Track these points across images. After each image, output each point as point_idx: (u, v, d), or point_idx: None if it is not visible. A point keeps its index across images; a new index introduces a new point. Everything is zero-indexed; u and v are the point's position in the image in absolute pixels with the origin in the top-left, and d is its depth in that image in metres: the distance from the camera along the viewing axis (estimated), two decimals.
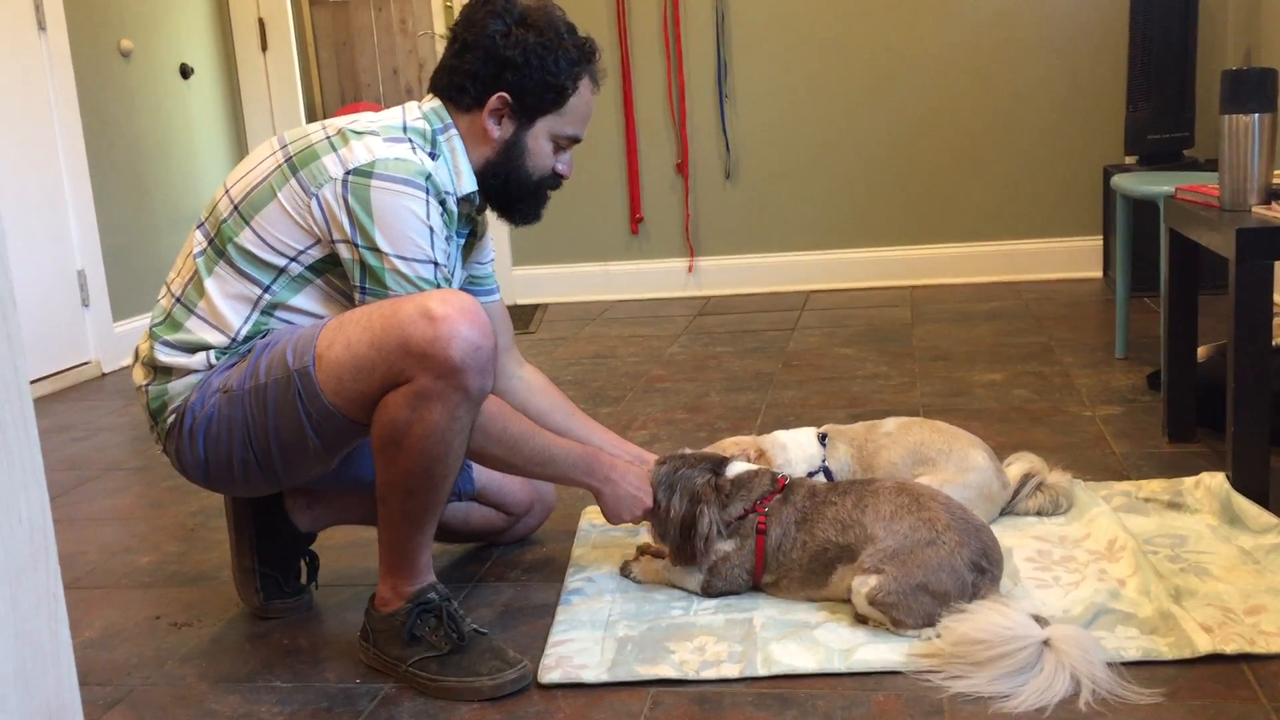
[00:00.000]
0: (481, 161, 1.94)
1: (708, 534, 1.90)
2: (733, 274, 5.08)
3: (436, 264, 1.79)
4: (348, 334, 1.72)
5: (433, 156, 1.87)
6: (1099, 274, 4.76)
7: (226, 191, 1.87)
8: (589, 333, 4.43)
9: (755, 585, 1.95)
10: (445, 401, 1.67)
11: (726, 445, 2.24)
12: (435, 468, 1.71)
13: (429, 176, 1.80)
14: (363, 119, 1.88)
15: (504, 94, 1.90)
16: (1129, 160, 4.46)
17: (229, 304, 1.83)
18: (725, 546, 1.93)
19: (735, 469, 1.98)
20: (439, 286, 1.79)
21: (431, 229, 1.78)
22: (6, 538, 0.77)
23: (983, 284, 4.81)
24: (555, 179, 2.00)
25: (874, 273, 4.96)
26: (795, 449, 2.23)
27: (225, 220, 1.85)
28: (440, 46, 5.20)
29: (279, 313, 1.85)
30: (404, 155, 1.80)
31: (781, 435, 2.26)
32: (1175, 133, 4.23)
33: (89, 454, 3.23)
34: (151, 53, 4.71)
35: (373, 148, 1.79)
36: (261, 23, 5.31)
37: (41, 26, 4.08)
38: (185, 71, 4.91)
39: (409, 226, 1.76)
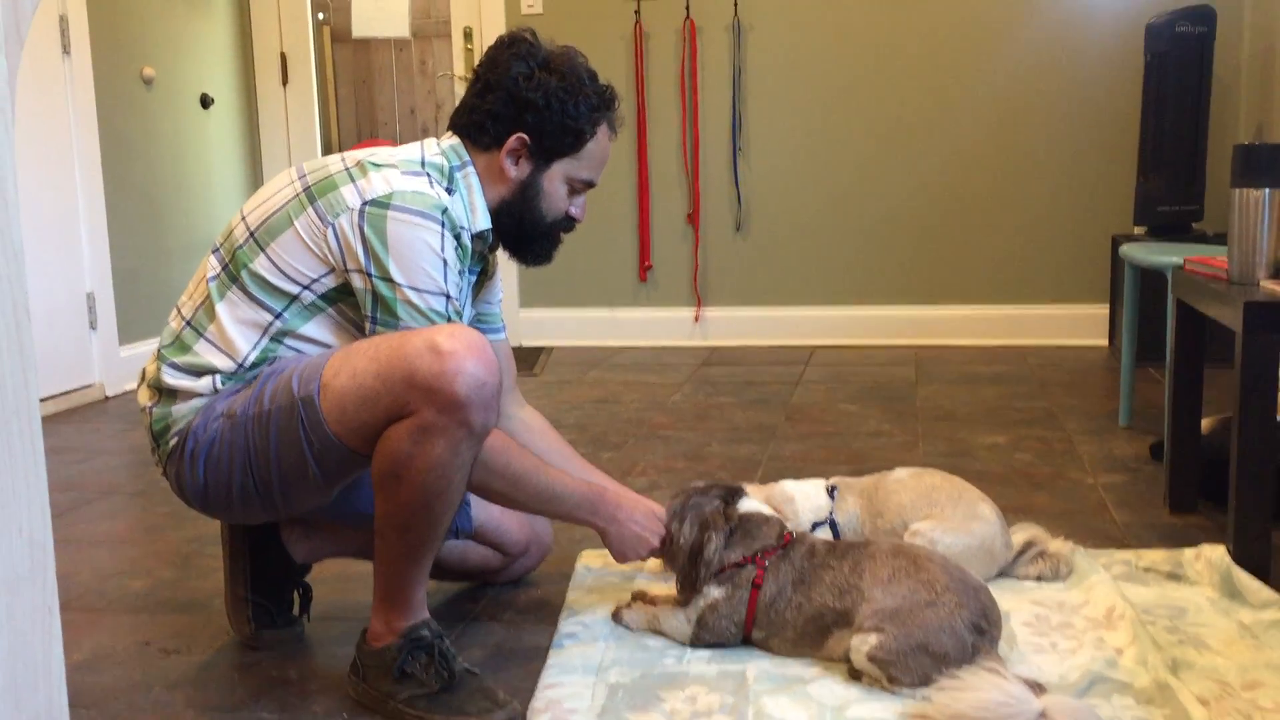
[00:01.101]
0: (497, 200, 1.95)
1: (711, 560, 1.89)
2: (739, 325, 5.09)
3: (449, 296, 1.80)
4: (354, 364, 1.72)
5: (449, 192, 1.88)
6: (1105, 342, 4.77)
7: (244, 218, 1.89)
8: (593, 377, 4.43)
9: (746, 639, 1.93)
10: (448, 436, 1.67)
11: None
12: (435, 502, 1.71)
13: (445, 210, 1.81)
14: (381, 153, 1.90)
15: (523, 135, 1.92)
16: (1138, 230, 4.49)
17: (239, 329, 1.84)
18: (715, 593, 1.91)
19: (747, 506, 1.97)
20: (449, 319, 1.80)
21: (445, 262, 1.79)
22: (6, 549, 0.77)
23: (988, 347, 4.82)
24: (568, 221, 2.02)
25: (880, 330, 4.97)
26: (802, 500, 2.22)
27: (241, 246, 1.86)
28: (459, 88, 5.26)
29: (289, 340, 1.85)
30: (421, 189, 1.81)
31: (789, 486, 2.26)
32: (1185, 205, 4.26)
33: (88, 476, 3.22)
34: (173, 81, 4.76)
35: (390, 180, 1.81)
36: (284, 57, 5.37)
37: (66, 50, 4.13)
38: (205, 101, 4.95)
39: (423, 258, 1.77)
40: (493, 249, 2.05)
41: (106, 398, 4.29)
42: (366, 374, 1.70)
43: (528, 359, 4.81)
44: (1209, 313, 2.35)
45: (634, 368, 4.62)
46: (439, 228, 1.79)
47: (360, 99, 7.01)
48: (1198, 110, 4.23)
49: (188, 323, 1.88)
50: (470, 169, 1.94)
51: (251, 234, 1.86)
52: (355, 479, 1.86)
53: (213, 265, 1.89)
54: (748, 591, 1.89)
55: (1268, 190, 2.26)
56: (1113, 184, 4.73)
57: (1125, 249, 3.32)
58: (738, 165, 5.01)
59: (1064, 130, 4.77)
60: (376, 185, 1.80)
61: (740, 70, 4.96)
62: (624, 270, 5.16)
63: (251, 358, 1.84)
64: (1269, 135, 4.21)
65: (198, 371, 1.84)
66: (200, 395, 1.84)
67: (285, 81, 5.38)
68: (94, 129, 4.25)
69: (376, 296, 1.77)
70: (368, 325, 1.79)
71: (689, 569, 1.92)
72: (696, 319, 5.12)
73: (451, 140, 1.97)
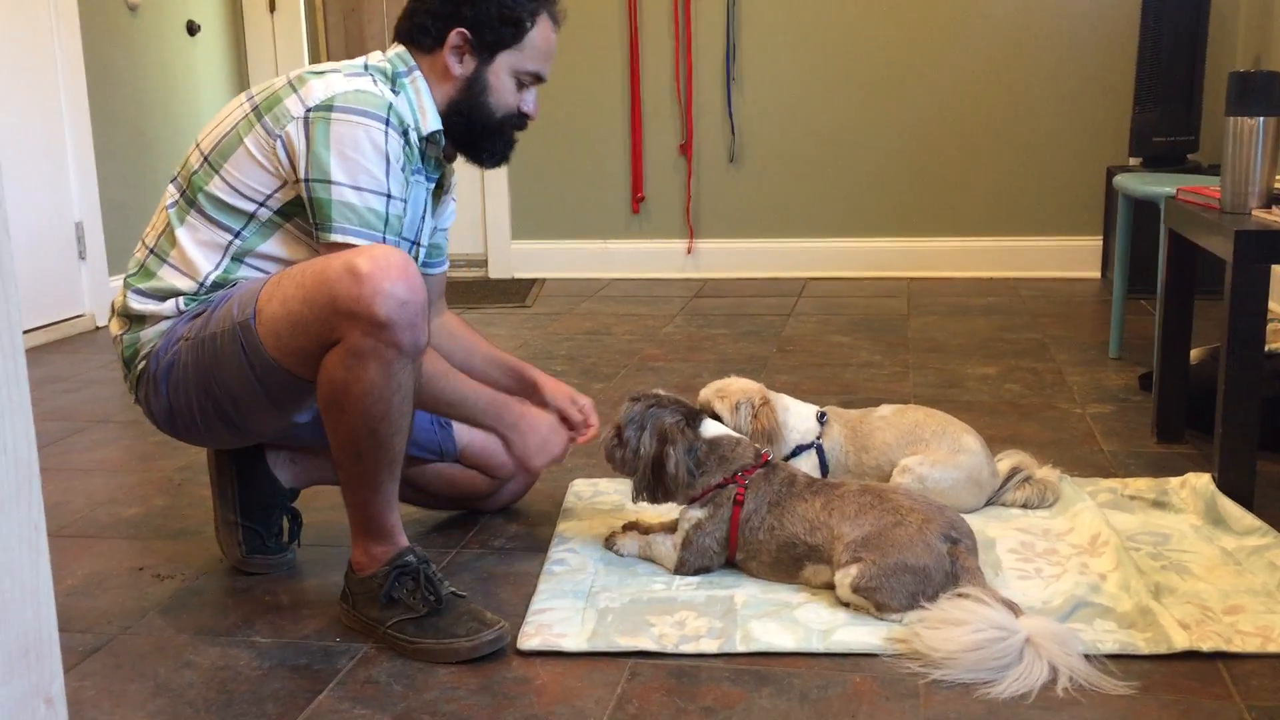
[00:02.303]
0: (445, 101, 1.95)
1: (675, 473, 1.91)
2: (732, 257, 5.07)
3: (389, 196, 1.80)
4: (284, 290, 1.73)
5: (394, 92, 1.89)
6: (1097, 274, 4.76)
7: (197, 145, 1.91)
8: (585, 309, 4.43)
9: (730, 561, 1.95)
10: (379, 358, 1.68)
11: (732, 387, 2.23)
12: (380, 426, 1.72)
13: (390, 107, 1.82)
14: (323, 65, 1.91)
15: (463, 30, 1.91)
16: (1133, 162, 4.46)
17: (200, 250, 1.86)
18: (697, 514, 1.93)
19: (711, 430, 1.98)
20: (387, 221, 1.80)
21: (388, 158, 1.80)
22: None
23: (981, 279, 4.81)
24: (520, 118, 2.01)
25: (872, 263, 4.96)
26: (795, 418, 2.23)
27: (196, 171, 1.88)
28: None
29: (249, 259, 1.87)
30: (364, 87, 1.82)
31: (787, 399, 2.27)
32: (1181, 136, 4.23)
33: (79, 405, 3.23)
34: (159, 8, 4.68)
35: (332, 84, 1.82)
36: None
37: None
38: (192, 28, 4.88)
39: (365, 156, 1.77)
40: (449, 157, 2.04)
41: (96, 328, 4.28)
42: (295, 300, 1.71)
43: (519, 291, 4.80)
44: (1200, 242, 2.35)
45: (626, 300, 4.61)
46: (382, 125, 1.79)
47: (349, 27, 6.91)
48: (1195, 41, 4.19)
49: (150, 250, 1.91)
50: (417, 73, 1.94)
51: (206, 158, 1.87)
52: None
53: (171, 193, 1.92)
54: (729, 509, 1.92)
55: (1261, 119, 2.24)
56: (1109, 115, 4.69)
57: (1119, 179, 3.31)
58: (731, 96, 4.96)
59: (1060, 62, 4.72)
60: (317, 91, 1.81)
61: None
62: (616, 202, 5.13)
63: (212, 277, 1.86)
64: (1267, 65, 4.17)
65: (162, 295, 1.87)
66: (165, 318, 1.87)
67: (273, 9, 5.30)
68: (79, 57, 4.19)
69: (313, 202, 1.78)
70: (314, 234, 1.80)
71: (650, 480, 1.94)
72: (689, 251, 5.11)
73: (396, 49, 1.97)
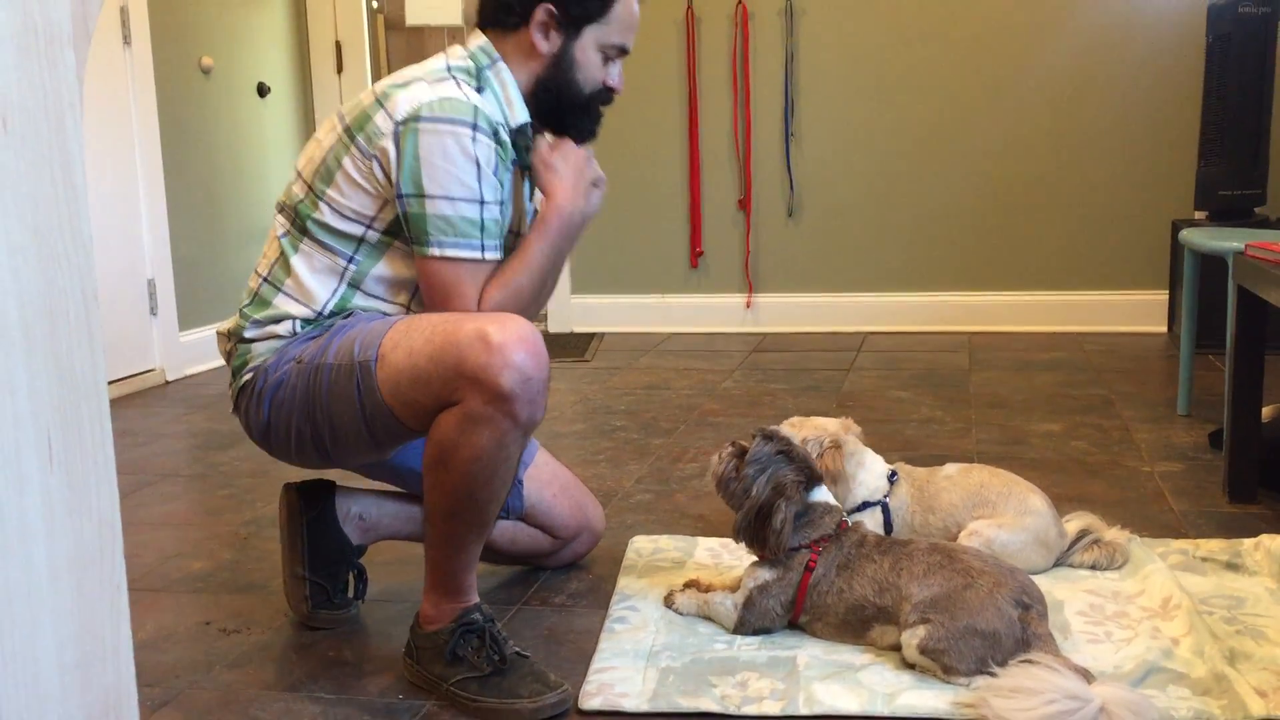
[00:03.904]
0: (532, 80, 1.95)
1: (780, 529, 1.87)
2: (791, 311, 5.07)
3: (484, 202, 1.81)
4: (411, 341, 1.74)
5: (479, 91, 1.89)
6: (1163, 329, 4.70)
7: (299, 174, 1.94)
8: (644, 364, 4.44)
9: (793, 623, 1.93)
10: (494, 427, 1.69)
11: (810, 423, 2.23)
12: (480, 491, 1.73)
13: (477, 110, 1.82)
14: (406, 72, 1.92)
15: (549, 5, 1.91)
16: (1198, 215, 4.41)
17: (316, 278, 1.89)
18: (765, 575, 1.92)
19: (818, 495, 1.95)
20: (484, 228, 1.81)
21: (479, 163, 1.81)
22: (77, 529, 0.79)
23: (1044, 333, 4.77)
24: (607, 93, 2.00)
25: (933, 317, 4.93)
26: (868, 472, 2.22)
27: (301, 200, 1.91)
28: None
29: (365, 285, 1.90)
30: (448, 93, 1.83)
31: (868, 455, 2.25)
32: (1247, 189, 4.18)
33: (148, 459, 3.29)
34: (231, 70, 4.82)
35: (416, 95, 1.83)
36: (339, 45, 5.41)
37: (127, 41, 4.19)
38: (262, 90, 5.01)
39: (455, 165, 1.79)
40: (537, 133, 2.03)
41: (167, 382, 4.37)
42: (421, 354, 1.72)
43: (579, 345, 4.83)
44: (1270, 299, 2.31)
45: (685, 354, 4.63)
46: (470, 130, 1.80)
47: None
48: (1261, 93, 4.15)
49: (265, 279, 1.93)
50: (500, 64, 1.94)
51: (309, 186, 1.91)
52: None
53: (280, 223, 1.95)
54: (799, 575, 1.90)
55: None
56: (1173, 168, 4.65)
57: (1185, 234, 3.27)
58: (790, 150, 4.99)
59: (1123, 113, 4.69)
60: (403, 104, 1.82)
61: (792, 55, 4.93)
62: (675, 256, 5.16)
63: (330, 305, 1.90)
64: None
65: (277, 320, 1.90)
66: (279, 337, 1.90)
67: (340, 70, 5.43)
68: (154, 118, 4.32)
69: (409, 217, 1.80)
70: (413, 249, 1.82)
71: (752, 523, 1.89)
72: (748, 305, 5.11)
73: (478, 40, 1.97)
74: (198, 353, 4.49)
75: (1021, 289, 4.87)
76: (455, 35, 6.84)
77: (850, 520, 1.97)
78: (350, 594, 2.12)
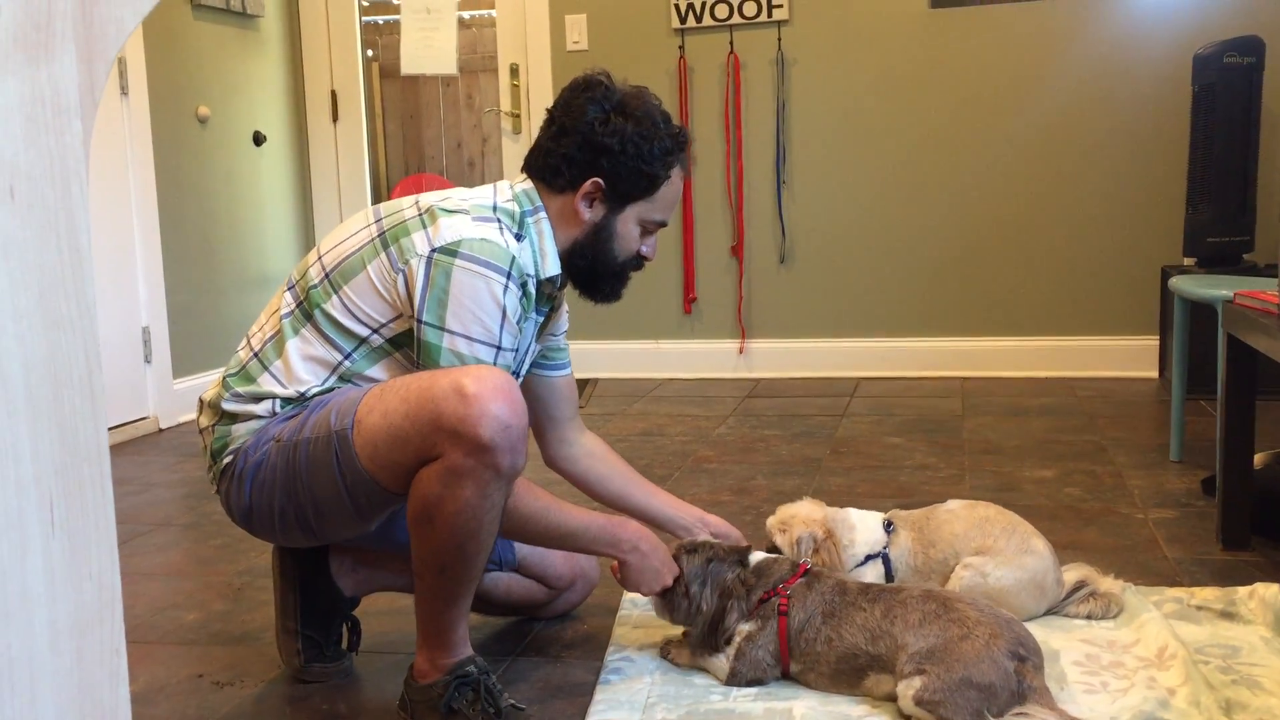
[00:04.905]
0: (569, 242, 1.98)
1: (731, 630, 1.93)
2: (784, 357, 5.09)
3: (499, 349, 1.81)
4: (387, 403, 1.75)
5: (519, 238, 1.91)
6: (1155, 374, 4.72)
7: (320, 258, 1.93)
8: (638, 410, 4.45)
9: (785, 674, 1.94)
10: (476, 479, 1.69)
11: (796, 519, 2.23)
12: (468, 544, 1.73)
13: (513, 260, 1.83)
14: (455, 196, 1.92)
15: (598, 179, 1.93)
16: (1187, 261, 4.45)
17: (307, 366, 1.88)
18: (747, 627, 1.94)
19: (756, 557, 2.02)
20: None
21: (504, 313, 1.81)
22: (76, 592, 0.79)
23: (1036, 379, 4.78)
24: (639, 260, 2.04)
25: (926, 363, 4.95)
26: (862, 530, 2.22)
27: (315, 286, 1.90)
28: (505, 123, 5.32)
29: (355, 381, 1.89)
30: (490, 236, 1.83)
31: (853, 515, 2.25)
32: (1235, 236, 4.22)
33: (142, 508, 3.28)
34: (227, 119, 4.85)
35: (459, 227, 1.83)
36: (334, 94, 5.46)
37: (124, 91, 4.23)
38: (258, 139, 5.05)
39: (482, 308, 1.79)
40: (561, 288, 2.07)
41: (160, 430, 4.37)
42: (397, 414, 1.72)
43: None
44: (1260, 347, 2.33)
45: (679, 400, 4.63)
46: (503, 279, 1.81)
47: (408, 134, 7.11)
48: (1247, 141, 4.20)
49: (255, 354, 1.93)
50: (542, 214, 1.96)
51: (327, 275, 1.90)
52: (398, 510, 1.88)
53: (287, 302, 1.94)
54: (775, 620, 1.92)
55: None
56: (1161, 215, 4.69)
57: (1174, 282, 3.30)
58: (781, 198, 5.03)
59: (1112, 161, 4.74)
60: (445, 232, 1.82)
61: (784, 104, 4.98)
62: (668, 302, 5.18)
63: (314, 391, 1.88)
64: None
65: (258, 398, 1.89)
66: (259, 417, 1.89)
67: (335, 118, 5.47)
68: (150, 168, 4.34)
69: (424, 344, 1.80)
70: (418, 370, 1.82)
71: (708, 636, 1.95)
72: (741, 351, 5.13)
73: (525, 184, 1.98)
74: (191, 400, 4.49)
75: (1013, 334, 4.89)
76: (448, 83, 6.91)
77: (810, 564, 2.01)
78: (344, 646, 2.11)
